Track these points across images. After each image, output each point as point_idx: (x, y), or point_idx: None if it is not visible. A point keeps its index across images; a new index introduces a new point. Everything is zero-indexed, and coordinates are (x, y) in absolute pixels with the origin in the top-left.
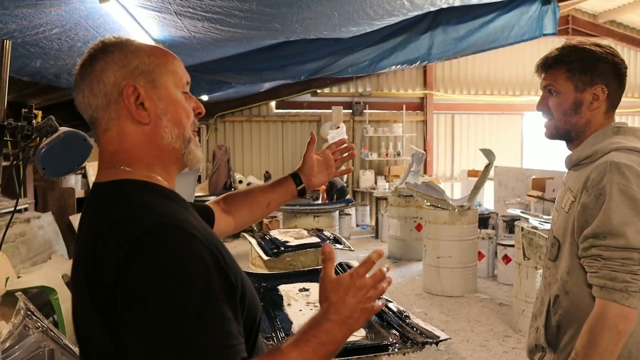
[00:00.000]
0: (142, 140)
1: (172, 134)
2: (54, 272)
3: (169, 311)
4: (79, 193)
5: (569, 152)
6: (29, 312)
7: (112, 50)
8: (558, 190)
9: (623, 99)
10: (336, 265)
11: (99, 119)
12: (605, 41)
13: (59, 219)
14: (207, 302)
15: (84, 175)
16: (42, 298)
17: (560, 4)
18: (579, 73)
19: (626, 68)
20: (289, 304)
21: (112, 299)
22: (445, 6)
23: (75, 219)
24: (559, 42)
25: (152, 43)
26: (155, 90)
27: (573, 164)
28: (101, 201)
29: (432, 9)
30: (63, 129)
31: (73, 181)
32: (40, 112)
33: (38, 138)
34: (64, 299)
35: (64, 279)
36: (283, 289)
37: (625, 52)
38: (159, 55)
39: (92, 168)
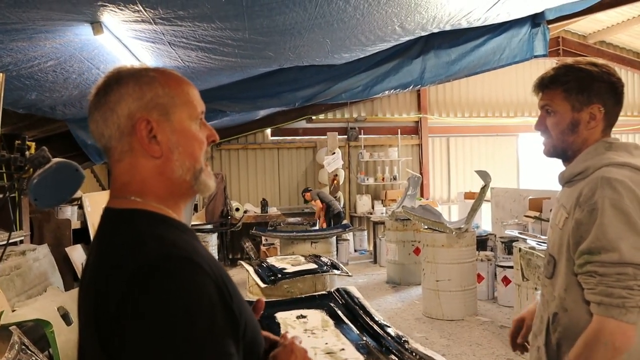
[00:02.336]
0: (153, 173)
1: (183, 167)
2: (49, 304)
3: (172, 345)
4: (75, 224)
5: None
6: (24, 347)
7: (127, 81)
8: (553, 208)
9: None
10: (334, 291)
11: (111, 149)
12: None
13: (55, 251)
14: (210, 338)
15: (80, 207)
16: (37, 332)
17: (549, 25)
18: (576, 93)
19: (623, 86)
20: (286, 332)
21: (115, 330)
22: (436, 31)
23: (71, 251)
24: (550, 63)
25: None
26: (168, 123)
27: (566, 181)
28: (111, 230)
29: (424, 33)
30: (56, 159)
31: (69, 212)
32: (33, 143)
33: (31, 169)
34: (60, 332)
35: (60, 311)
36: (280, 316)
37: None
38: (173, 86)
39: (88, 199)
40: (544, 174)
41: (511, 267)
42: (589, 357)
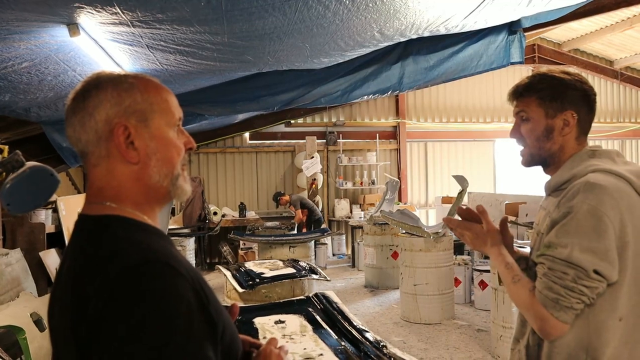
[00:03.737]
0: (130, 179)
1: (161, 173)
2: (22, 310)
3: (152, 350)
4: (50, 228)
5: (546, 177)
6: None
7: (106, 87)
8: (536, 215)
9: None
10: (312, 296)
11: (88, 154)
12: (571, 69)
13: (28, 255)
14: (190, 341)
15: (55, 210)
16: (9, 338)
17: (526, 33)
18: (549, 100)
19: (595, 95)
20: (264, 337)
21: (95, 336)
22: (414, 37)
23: (45, 255)
24: (526, 70)
25: None
26: (146, 129)
27: (552, 190)
28: (87, 237)
29: (402, 39)
30: (30, 163)
31: (43, 216)
32: (6, 146)
33: (4, 173)
34: (33, 339)
35: (33, 317)
36: (258, 321)
37: (590, 79)
38: (152, 92)
39: (63, 203)
40: (520, 179)
41: (488, 271)
42: (513, 297)
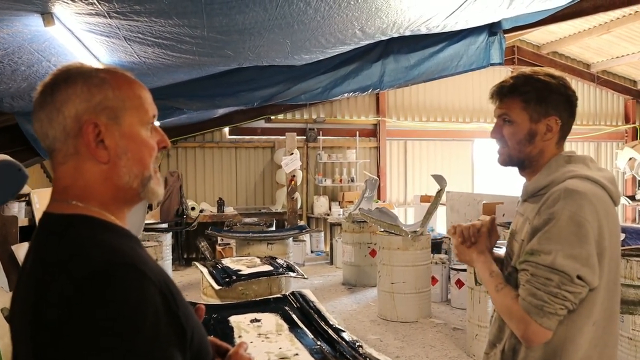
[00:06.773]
0: (98, 179)
1: (131, 174)
2: None
3: (115, 356)
4: (23, 221)
5: (522, 180)
6: None
7: (75, 81)
8: (513, 220)
9: None
10: (289, 294)
11: (55, 151)
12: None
13: None
14: (155, 347)
15: (28, 203)
16: None
17: (505, 35)
18: (534, 103)
19: (577, 99)
20: (239, 336)
21: (54, 340)
22: (396, 35)
23: (18, 249)
24: (505, 71)
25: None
26: (117, 127)
27: (530, 195)
28: (51, 235)
29: (384, 38)
30: None
31: (16, 209)
32: None
33: None
34: (4, 334)
35: (4, 312)
36: (234, 320)
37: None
38: (125, 89)
39: (36, 195)
40: (497, 179)
41: (464, 270)
42: (498, 304)
